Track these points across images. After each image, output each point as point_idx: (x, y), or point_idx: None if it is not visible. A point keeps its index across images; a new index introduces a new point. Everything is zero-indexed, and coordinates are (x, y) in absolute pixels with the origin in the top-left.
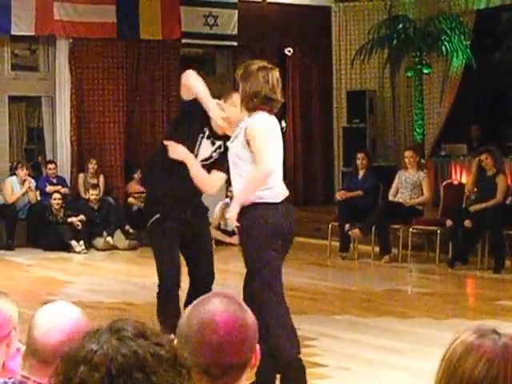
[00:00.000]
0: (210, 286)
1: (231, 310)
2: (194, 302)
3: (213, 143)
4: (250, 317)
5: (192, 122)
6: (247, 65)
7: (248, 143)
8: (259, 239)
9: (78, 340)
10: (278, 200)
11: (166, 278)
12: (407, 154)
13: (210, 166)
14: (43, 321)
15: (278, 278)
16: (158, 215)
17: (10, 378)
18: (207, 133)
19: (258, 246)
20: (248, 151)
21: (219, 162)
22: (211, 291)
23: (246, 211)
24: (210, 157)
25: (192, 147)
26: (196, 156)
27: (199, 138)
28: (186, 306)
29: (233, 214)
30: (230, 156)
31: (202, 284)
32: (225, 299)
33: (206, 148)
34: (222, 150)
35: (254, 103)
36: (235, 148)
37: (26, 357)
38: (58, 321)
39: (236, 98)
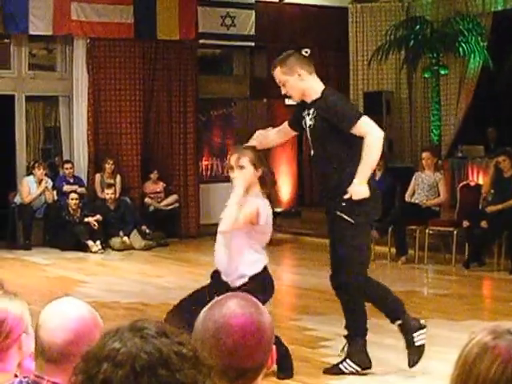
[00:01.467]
0: None
1: (247, 312)
2: (210, 304)
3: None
4: (267, 319)
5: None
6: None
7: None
8: None
9: (88, 339)
10: None
11: None
12: (424, 155)
13: None
14: (48, 320)
15: None
16: None
17: (24, 377)
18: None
19: None
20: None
21: None
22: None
23: None
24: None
25: None
26: None
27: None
28: None
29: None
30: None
31: None
32: (241, 301)
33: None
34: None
35: None
36: None
37: (36, 356)
38: (63, 319)
39: None
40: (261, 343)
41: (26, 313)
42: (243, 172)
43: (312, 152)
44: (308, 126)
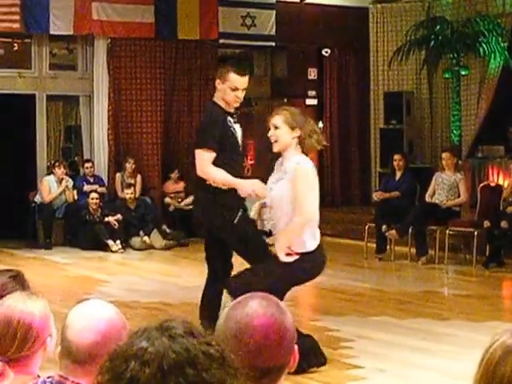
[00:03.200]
0: None
1: (269, 313)
2: (232, 304)
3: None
4: (288, 319)
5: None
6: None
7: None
8: None
9: (115, 340)
10: None
11: None
12: (444, 155)
13: None
14: (76, 321)
15: None
16: None
17: (48, 378)
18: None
19: None
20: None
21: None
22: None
23: None
24: None
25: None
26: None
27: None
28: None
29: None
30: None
31: None
32: (263, 301)
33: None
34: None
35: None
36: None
37: (62, 357)
38: (91, 320)
39: (234, 79)
40: (283, 343)
41: (50, 314)
42: (277, 132)
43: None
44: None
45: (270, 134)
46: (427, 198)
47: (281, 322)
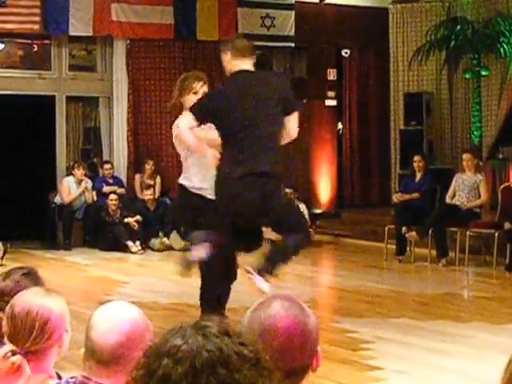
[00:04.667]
0: None
1: (292, 314)
2: (255, 305)
3: None
4: (312, 320)
5: None
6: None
7: None
8: None
9: (139, 342)
10: None
11: None
12: (465, 156)
13: None
14: (100, 322)
15: None
16: None
17: (71, 378)
18: None
19: None
20: None
21: None
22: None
23: None
24: None
25: None
26: None
27: None
28: None
29: None
30: None
31: None
32: (286, 303)
33: None
34: None
35: None
36: None
37: (86, 358)
38: (116, 321)
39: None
40: (306, 345)
41: (67, 310)
42: None
43: None
44: None
45: None
46: (447, 200)
47: (304, 324)
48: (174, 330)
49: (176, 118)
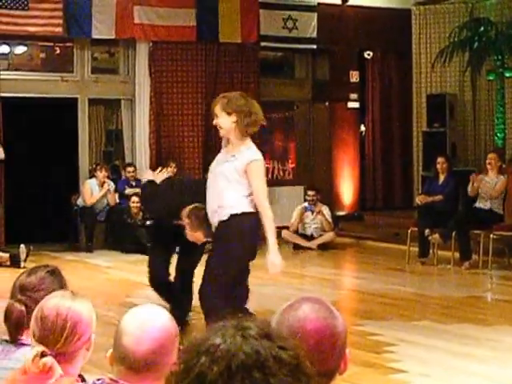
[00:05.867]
0: None
1: (321, 317)
2: (283, 307)
3: None
4: (341, 323)
5: None
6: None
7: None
8: None
9: (170, 348)
10: None
11: None
12: (490, 155)
13: None
14: (132, 328)
15: None
16: None
17: (98, 380)
18: None
19: None
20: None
21: None
22: None
23: None
24: None
25: None
26: None
27: None
28: None
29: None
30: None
31: None
32: (315, 305)
33: None
34: None
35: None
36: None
37: (115, 362)
38: (148, 328)
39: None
40: (335, 348)
41: (94, 313)
42: (218, 120)
43: None
44: None
45: (214, 123)
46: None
47: (333, 327)
48: (216, 328)
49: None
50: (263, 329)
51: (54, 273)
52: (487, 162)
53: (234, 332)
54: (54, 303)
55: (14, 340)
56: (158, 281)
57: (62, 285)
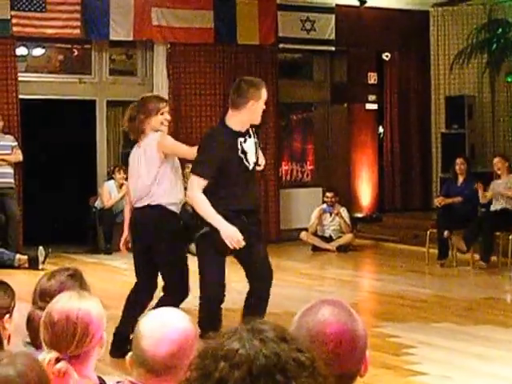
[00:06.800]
0: None
1: (342, 320)
2: (303, 310)
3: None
4: (361, 326)
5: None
6: None
7: None
8: None
9: (190, 351)
10: None
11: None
12: (495, 160)
13: None
14: (151, 331)
15: None
16: None
17: (118, 382)
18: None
19: None
20: None
21: None
22: None
23: None
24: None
25: None
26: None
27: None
28: None
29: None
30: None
31: None
32: (335, 309)
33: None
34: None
35: None
36: None
37: (134, 365)
38: (167, 331)
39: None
40: (355, 351)
41: (103, 310)
42: None
43: None
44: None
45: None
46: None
47: (353, 330)
48: (229, 333)
49: (137, 139)
50: (279, 331)
51: (75, 276)
52: (495, 168)
53: (250, 336)
54: (61, 306)
55: (36, 346)
56: (222, 297)
57: (82, 288)
